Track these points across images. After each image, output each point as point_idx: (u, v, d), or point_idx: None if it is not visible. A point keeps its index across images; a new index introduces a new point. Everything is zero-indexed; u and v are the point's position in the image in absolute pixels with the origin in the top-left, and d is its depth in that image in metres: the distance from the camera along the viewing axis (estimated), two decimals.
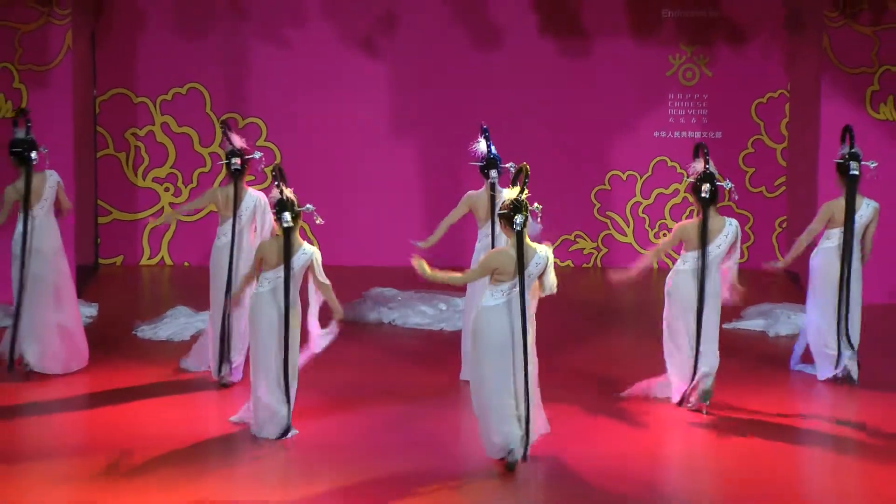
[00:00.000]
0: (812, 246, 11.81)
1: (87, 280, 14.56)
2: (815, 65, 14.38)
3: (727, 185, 10.54)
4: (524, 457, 8.90)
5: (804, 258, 12.01)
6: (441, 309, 13.32)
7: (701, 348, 10.44)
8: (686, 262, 10.57)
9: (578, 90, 15.95)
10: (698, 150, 10.64)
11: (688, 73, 15.97)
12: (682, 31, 15.89)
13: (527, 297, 9.00)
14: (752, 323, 13.00)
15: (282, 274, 9.55)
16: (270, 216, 10.73)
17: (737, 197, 10.91)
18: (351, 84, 15.87)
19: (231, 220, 11.03)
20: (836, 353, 11.48)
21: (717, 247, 10.50)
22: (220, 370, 11.01)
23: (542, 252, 9.08)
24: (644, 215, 16.02)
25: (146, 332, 12.42)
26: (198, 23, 15.74)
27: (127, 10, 15.67)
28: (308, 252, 9.58)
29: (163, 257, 16.05)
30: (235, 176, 11.04)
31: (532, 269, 9.01)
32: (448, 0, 15.80)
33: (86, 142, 14.84)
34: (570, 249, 16.10)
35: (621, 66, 15.91)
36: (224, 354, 11.06)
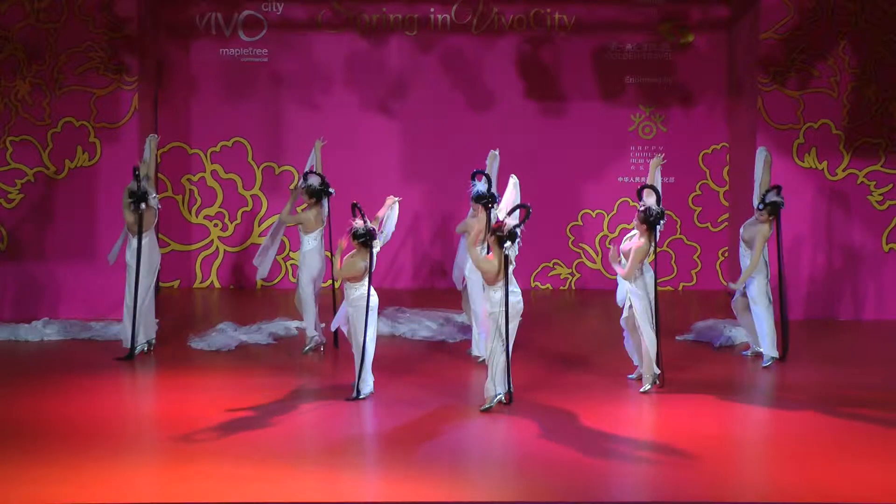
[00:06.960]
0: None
1: None
2: (750, 122, 15.09)
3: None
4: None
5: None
6: (441, 324, 13.78)
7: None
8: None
9: (556, 142, 16.73)
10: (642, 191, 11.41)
11: (646, 128, 16.79)
12: (642, 95, 16.76)
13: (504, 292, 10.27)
14: (700, 335, 13.56)
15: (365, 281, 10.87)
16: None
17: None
18: (368, 139, 16.67)
19: (320, 231, 12.66)
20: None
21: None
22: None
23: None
24: (610, 246, 14.03)
25: (199, 343, 12.98)
26: (242, 88, 16.59)
27: (183, 78, 16.50)
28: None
29: (212, 282, 16.75)
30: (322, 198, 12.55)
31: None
32: (449, 71, 16.71)
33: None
34: (549, 275, 16.81)
35: (591, 123, 16.72)
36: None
